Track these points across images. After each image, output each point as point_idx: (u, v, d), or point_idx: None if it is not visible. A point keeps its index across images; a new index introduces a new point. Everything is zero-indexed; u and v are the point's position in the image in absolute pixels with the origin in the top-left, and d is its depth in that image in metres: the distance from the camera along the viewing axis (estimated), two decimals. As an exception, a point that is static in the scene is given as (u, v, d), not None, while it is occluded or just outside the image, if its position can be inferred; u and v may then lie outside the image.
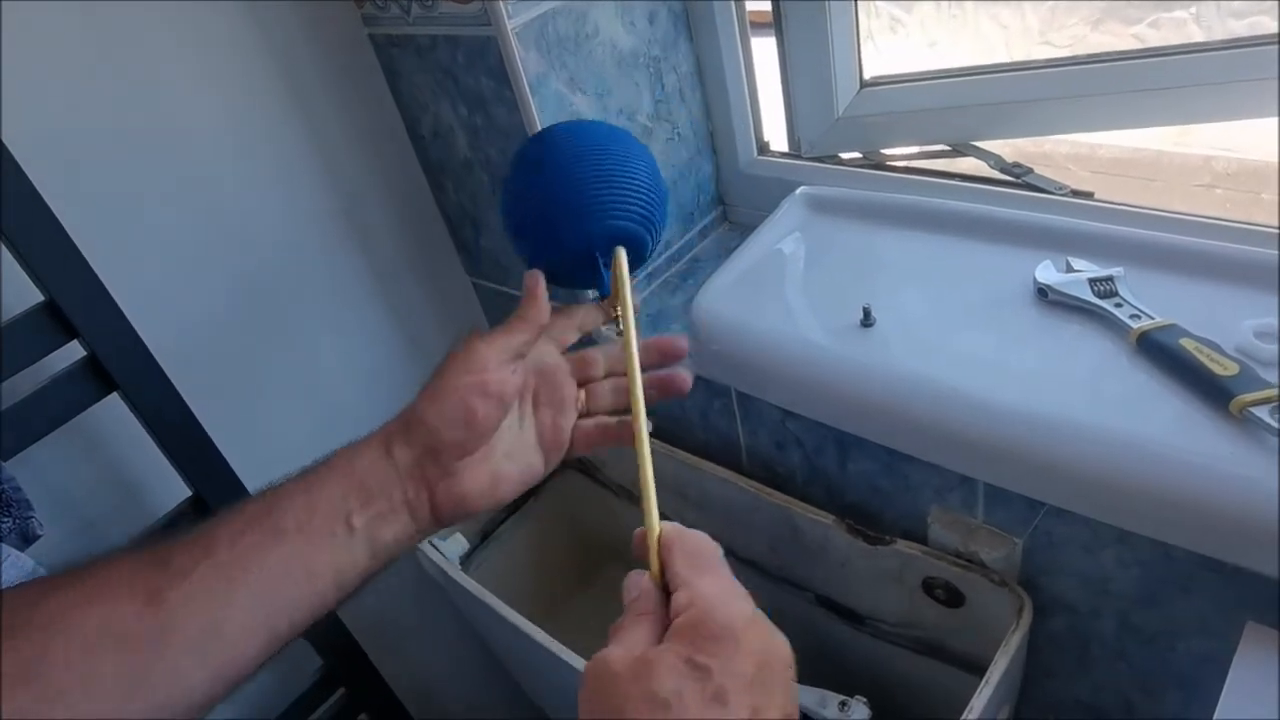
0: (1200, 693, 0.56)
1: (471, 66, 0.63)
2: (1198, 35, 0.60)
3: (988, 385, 0.51)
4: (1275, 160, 0.66)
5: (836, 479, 0.66)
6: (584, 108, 0.65)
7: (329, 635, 0.79)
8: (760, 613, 0.33)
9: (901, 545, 0.61)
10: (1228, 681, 0.45)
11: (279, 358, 0.74)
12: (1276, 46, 0.55)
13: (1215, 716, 0.43)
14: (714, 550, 0.35)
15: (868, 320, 0.57)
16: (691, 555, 0.35)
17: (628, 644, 0.32)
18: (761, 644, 0.32)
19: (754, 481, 0.69)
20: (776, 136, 0.78)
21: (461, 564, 0.77)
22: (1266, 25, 0.59)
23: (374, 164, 0.75)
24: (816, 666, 0.75)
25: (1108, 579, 0.55)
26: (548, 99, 0.62)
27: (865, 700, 0.57)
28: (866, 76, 0.71)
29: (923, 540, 0.63)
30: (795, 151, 0.76)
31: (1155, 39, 0.61)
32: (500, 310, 0.85)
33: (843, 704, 0.57)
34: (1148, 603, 0.54)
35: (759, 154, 0.78)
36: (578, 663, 0.61)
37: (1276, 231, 0.54)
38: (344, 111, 0.71)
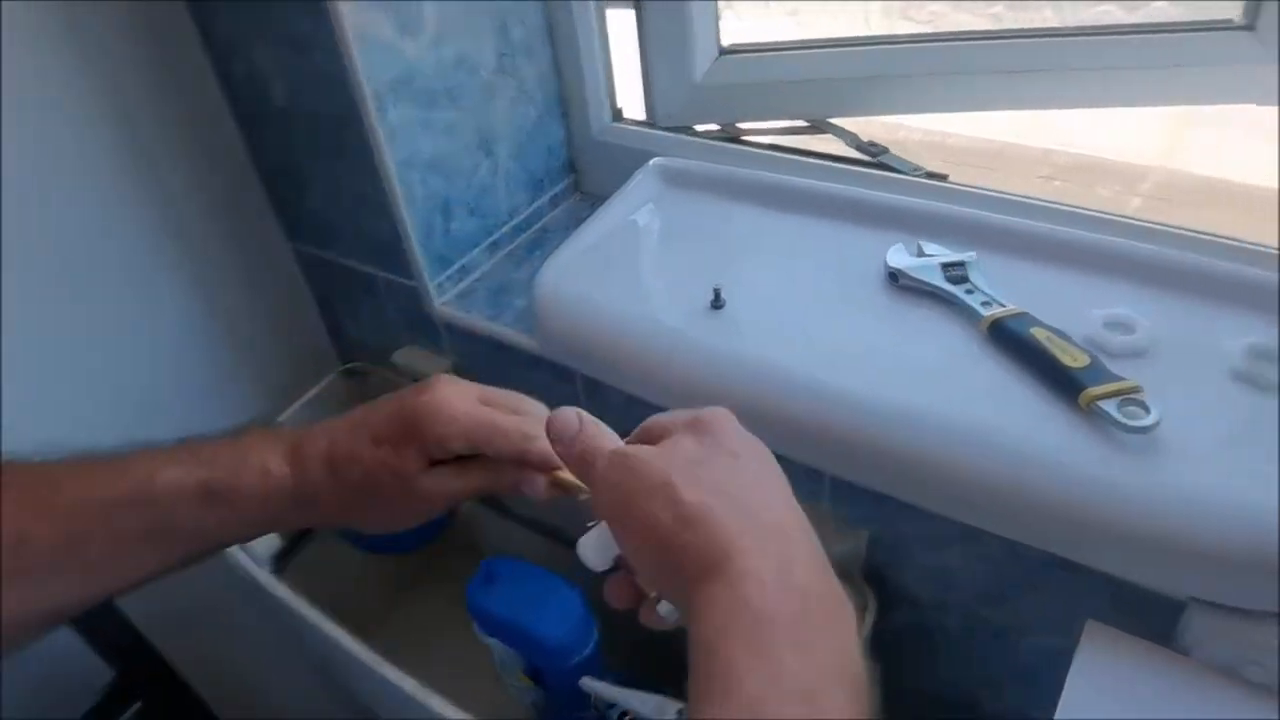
0: (1044, 688, 0.56)
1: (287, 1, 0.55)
2: (1053, 20, 0.59)
3: (836, 373, 0.48)
4: (1108, 156, 0.68)
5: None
6: (415, 54, 0.58)
7: (118, 640, 0.70)
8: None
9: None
10: (1069, 679, 0.44)
11: (61, 332, 0.63)
12: (1125, 37, 0.55)
13: (1057, 714, 0.42)
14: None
15: (718, 302, 0.53)
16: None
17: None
18: (735, 424, 0.37)
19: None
20: (633, 104, 0.73)
21: (275, 564, 0.69)
22: (1116, 16, 0.59)
23: (175, 111, 0.65)
24: (651, 666, 0.72)
25: (954, 574, 0.54)
26: (372, 44, 0.55)
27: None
28: (725, 44, 0.67)
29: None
30: (651, 120, 0.71)
31: (1011, 20, 0.60)
32: (326, 280, 0.77)
33: (681, 711, 0.53)
34: (994, 599, 0.53)
35: (613, 121, 0.73)
36: (398, 678, 0.55)
37: (1126, 221, 0.54)
38: (138, 47, 0.61)
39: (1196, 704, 0.42)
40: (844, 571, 0.56)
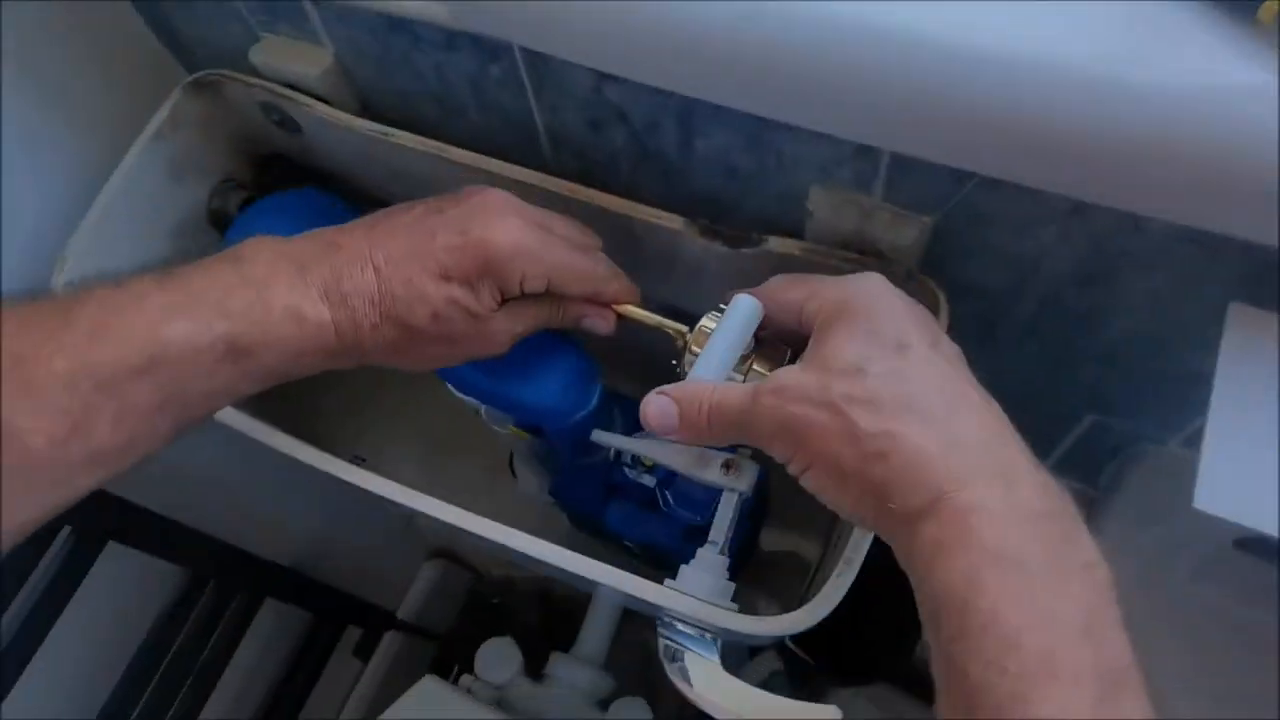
0: (1119, 366, 0.48)
1: None
2: None
3: (917, 11, 0.32)
4: None
5: (678, 164, 0.48)
6: None
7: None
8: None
9: (774, 243, 0.46)
10: (1219, 373, 0.35)
11: None
12: None
13: (1212, 404, 0.34)
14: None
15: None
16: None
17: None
18: (894, 297, 0.35)
19: (564, 181, 0.49)
20: None
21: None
22: None
23: None
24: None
25: (1040, 258, 0.43)
26: None
27: (751, 457, 0.45)
28: None
29: (798, 233, 0.47)
30: None
31: None
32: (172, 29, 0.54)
33: (726, 465, 0.44)
34: (1089, 282, 0.43)
35: None
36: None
37: None
38: None
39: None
40: (906, 271, 0.44)
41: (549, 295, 0.42)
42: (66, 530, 0.59)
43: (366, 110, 0.57)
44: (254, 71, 0.55)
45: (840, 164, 0.42)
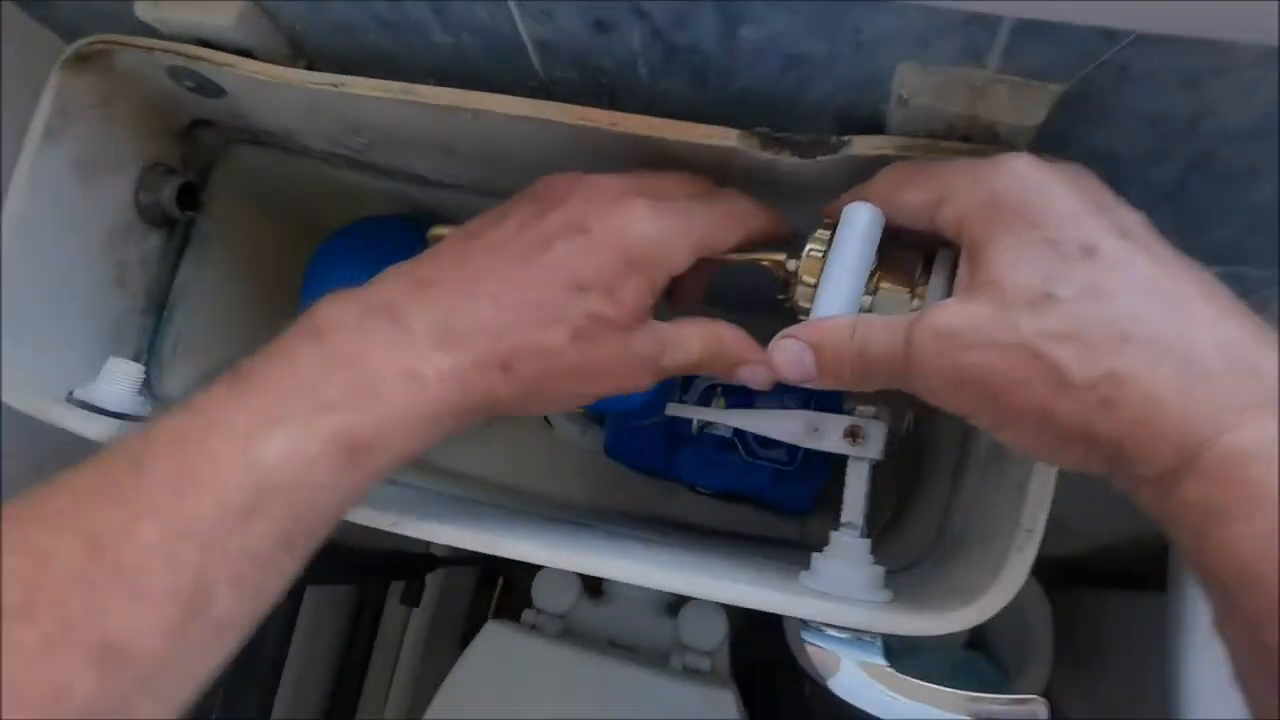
0: (1265, 219, 0.40)
1: None
2: None
3: None
4: None
5: (718, 61, 0.38)
6: None
7: None
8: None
9: (860, 144, 0.36)
10: None
11: None
12: None
13: None
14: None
15: None
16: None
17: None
18: (1056, 180, 0.29)
19: (573, 106, 0.39)
20: None
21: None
22: None
23: None
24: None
25: (1204, 117, 0.34)
26: None
27: (875, 413, 0.37)
28: None
29: (878, 127, 0.38)
30: None
31: None
32: None
33: (851, 433, 0.37)
34: (1259, 137, 0.34)
35: None
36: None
37: None
38: None
39: None
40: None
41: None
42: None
43: (301, 55, 0.46)
44: (149, 31, 0.43)
45: (943, 35, 0.32)
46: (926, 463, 0.47)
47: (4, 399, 0.42)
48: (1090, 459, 0.26)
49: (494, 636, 0.74)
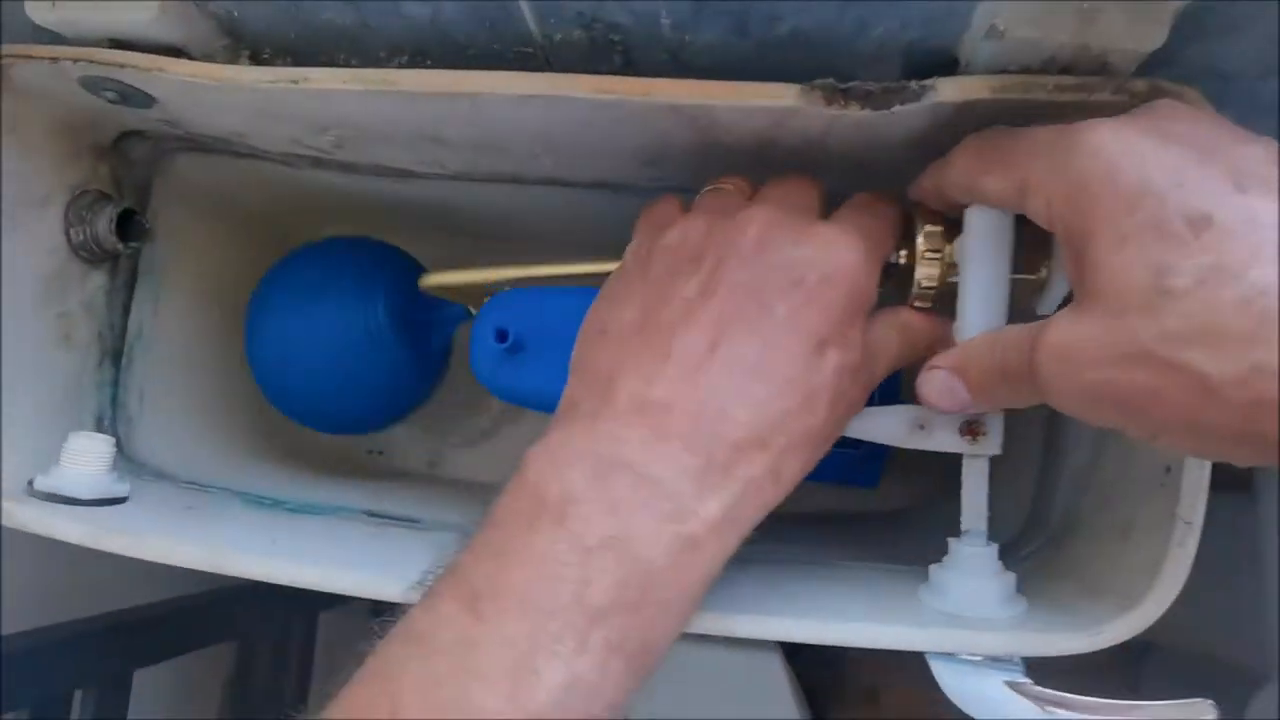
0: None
1: None
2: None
3: None
4: None
5: (763, 6, 0.31)
6: None
7: None
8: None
9: (947, 88, 0.30)
10: None
11: None
12: None
13: None
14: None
15: None
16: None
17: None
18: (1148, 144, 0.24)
19: (594, 77, 0.32)
20: None
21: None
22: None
23: None
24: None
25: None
26: None
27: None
28: None
29: (950, 69, 0.32)
30: None
31: None
32: None
33: (969, 429, 0.32)
34: None
35: None
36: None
37: None
38: None
39: None
40: (1150, 88, 0.30)
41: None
42: (79, 695, 0.46)
43: (241, 45, 0.38)
44: (53, 37, 0.36)
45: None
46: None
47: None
48: (1260, 455, 0.22)
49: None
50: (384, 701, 0.22)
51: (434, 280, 0.45)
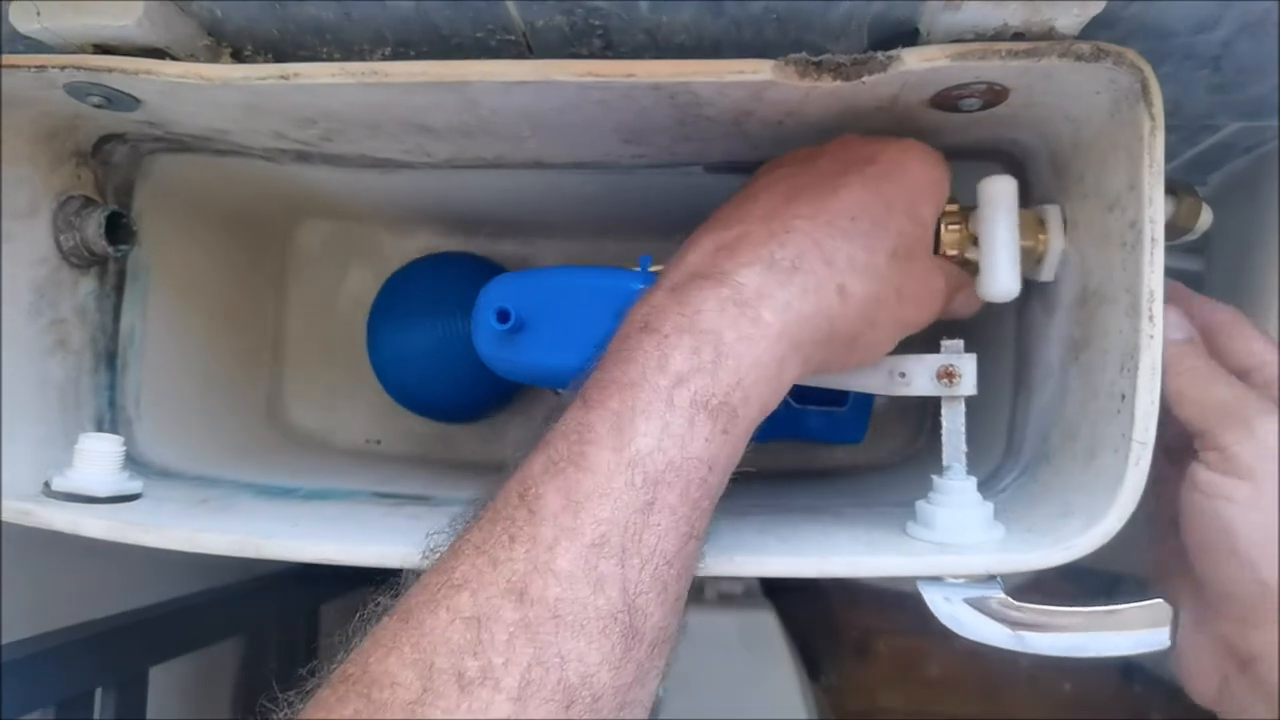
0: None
1: None
2: None
3: None
4: None
5: (735, -16, 0.33)
6: None
7: None
8: None
9: (911, 58, 0.33)
10: None
11: None
12: None
13: None
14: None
15: None
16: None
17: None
18: None
19: (578, 61, 0.34)
20: None
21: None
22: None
23: None
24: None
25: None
26: None
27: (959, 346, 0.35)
28: None
29: (909, 40, 0.34)
30: None
31: None
32: None
33: (945, 374, 0.35)
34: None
35: None
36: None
37: None
38: None
39: None
40: (1094, 50, 0.32)
41: None
42: (99, 693, 0.47)
43: (223, 42, 0.39)
44: (34, 45, 0.36)
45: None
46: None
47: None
48: None
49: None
50: (515, 487, 0.27)
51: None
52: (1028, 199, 0.41)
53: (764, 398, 0.29)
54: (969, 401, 0.37)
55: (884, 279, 0.32)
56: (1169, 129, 0.47)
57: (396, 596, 0.27)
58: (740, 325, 0.28)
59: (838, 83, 0.33)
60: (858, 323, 0.31)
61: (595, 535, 0.25)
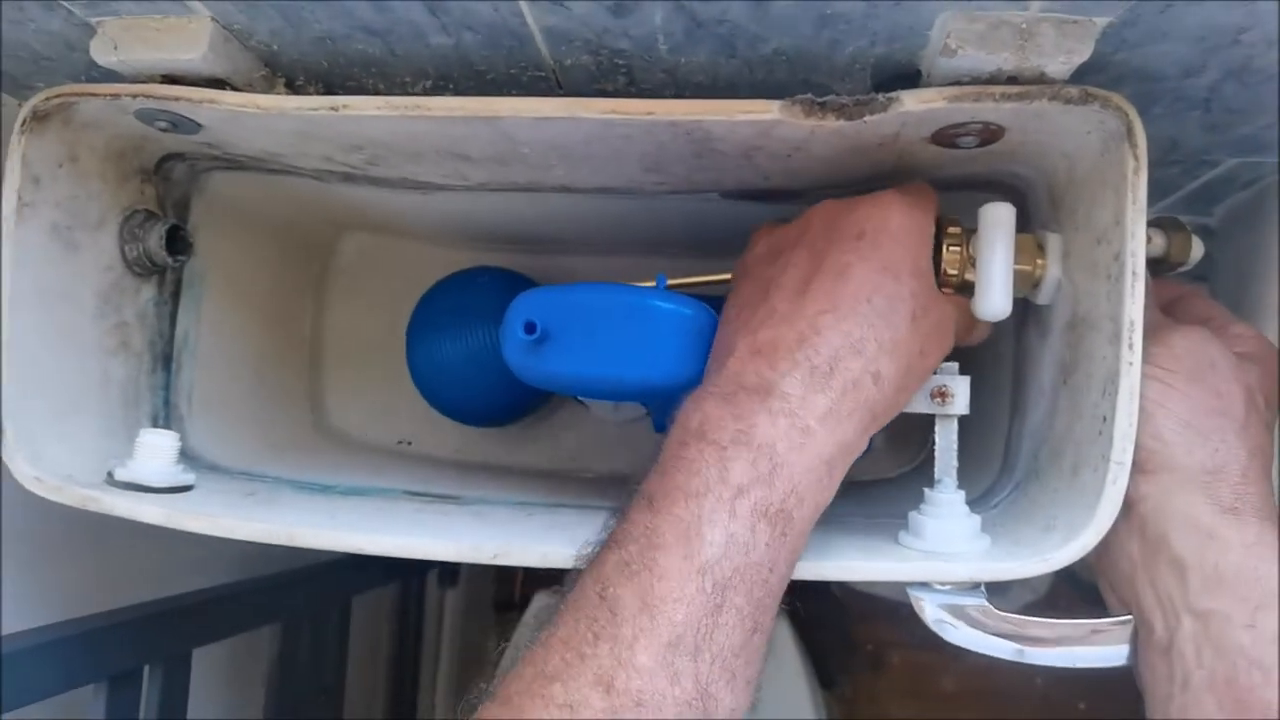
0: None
1: None
2: None
3: None
4: None
5: (748, 29, 0.36)
6: None
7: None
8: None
9: (910, 100, 0.35)
10: None
11: None
12: None
13: None
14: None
15: None
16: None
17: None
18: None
19: (602, 100, 0.37)
20: None
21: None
22: None
23: None
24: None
25: (1252, 27, 0.33)
26: None
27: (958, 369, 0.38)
28: None
29: (910, 82, 0.37)
30: None
31: None
32: None
33: (939, 394, 0.37)
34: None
35: None
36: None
37: None
38: None
39: None
40: (1081, 93, 0.35)
41: None
42: (147, 670, 0.50)
43: (278, 74, 0.42)
44: (109, 75, 0.40)
45: (989, -18, 0.31)
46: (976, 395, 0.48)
47: (42, 496, 0.40)
48: None
49: (546, 607, 0.75)
50: (593, 585, 0.30)
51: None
52: (1028, 229, 0.43)
53: (816, 498, 0.32)
54: (970, 420, 0.39)
55: (909, 349, 0.34)
56: (1170, 164, 0.49)
57: (493, 682, 0.30)
58: (791, 436, 0.31)
59: (841, 122, 0.36)
60: (894, 397, 0.34)
61: (671, 635, 0.28)
